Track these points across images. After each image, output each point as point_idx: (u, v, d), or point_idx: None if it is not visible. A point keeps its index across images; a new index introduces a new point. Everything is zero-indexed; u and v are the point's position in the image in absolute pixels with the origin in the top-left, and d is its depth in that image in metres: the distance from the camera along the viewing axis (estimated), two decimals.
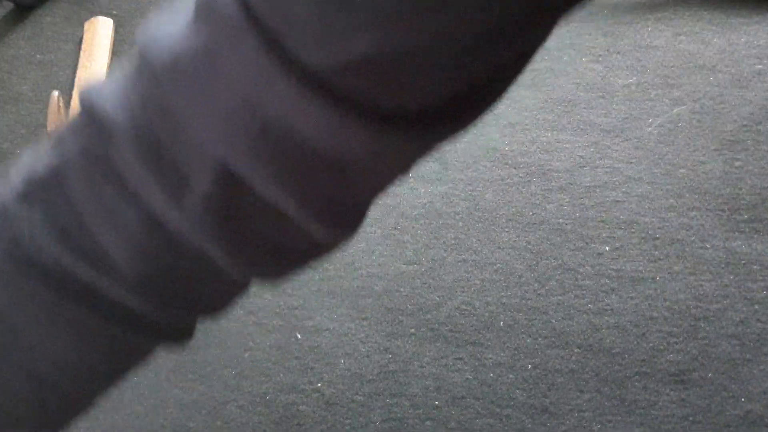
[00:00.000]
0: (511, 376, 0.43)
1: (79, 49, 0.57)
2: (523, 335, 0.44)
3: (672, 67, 0.56)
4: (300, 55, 0.17)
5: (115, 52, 0.58)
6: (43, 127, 0.56)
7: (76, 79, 0.55)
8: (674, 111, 0.54)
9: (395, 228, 0.49)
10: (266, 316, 0.46)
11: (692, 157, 0.52)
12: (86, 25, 0.58)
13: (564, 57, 0.57)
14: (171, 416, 0.42)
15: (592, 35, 0.58)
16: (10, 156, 0.54)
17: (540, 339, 0.44)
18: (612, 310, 0.46)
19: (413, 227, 0.49)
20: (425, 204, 0.50)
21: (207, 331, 0.44)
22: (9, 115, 0.57)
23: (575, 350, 0.44)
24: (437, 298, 0.46)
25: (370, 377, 0.43)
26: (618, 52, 0.57)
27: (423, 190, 0.51)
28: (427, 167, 0.52)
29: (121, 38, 0.62)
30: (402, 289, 0.46)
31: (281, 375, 0.43)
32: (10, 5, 0.63)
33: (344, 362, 0.44)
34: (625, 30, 0.59)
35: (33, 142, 0.55)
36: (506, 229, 0.49)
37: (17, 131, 0.56)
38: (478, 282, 0.47)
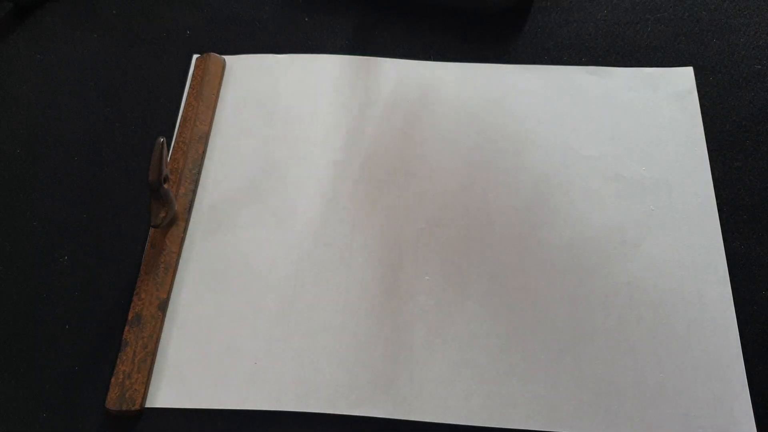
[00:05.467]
0: None
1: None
2: None
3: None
4: None
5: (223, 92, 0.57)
6: (43, 128, 0.56)
7: (180, 119, 0.54)
8: None
9: None
10: None
11: None
12: (197, 62, 0.57)
13: (564, 57, 0.57)
14: None
15: (591, 36, 0.59)
16: (11, 156, 0.54)
17: None
18: None
19: None
20: None
21: None
22: (9, 115, 0.56)
23: None
24: None
25: None
26: (617, 53, 0.57)
27: None
28: None
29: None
30: None
31: None
32: (10, 5, 0.62)
33: None
34: (624, 30, 0.59)
35: (33, 142, 0.55)
36: None
37: (17, 132, 0.56)
38: None
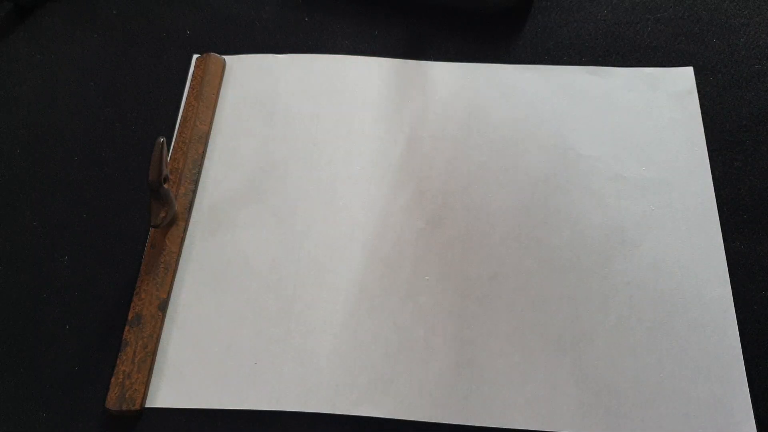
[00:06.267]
0: None
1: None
2: None
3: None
4: None
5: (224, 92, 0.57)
6: (43, 128, 0.56)
7: (180, 119, 0.54)
8: None
9: None
10: None
11: None
12: (197, 62, 0.57)
13: (564, 57, 0.57)
14: None
15: (591, 36, 0.58)
16: (11, 156, 0.54)
17: None
18: None
19: None
20: None
21: None
22: (9, 115, 0.56)
23: None
24: None
25: None
26: (617, 53, 0.57)
27: None
28: None
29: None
30: None
31: None
32: (10, 5, 0.62)
33: None
34: (624, 30, 0.59)
35: (33, 142, 0.55)
36: None
37: (17, 132, 0.56)
38: None
